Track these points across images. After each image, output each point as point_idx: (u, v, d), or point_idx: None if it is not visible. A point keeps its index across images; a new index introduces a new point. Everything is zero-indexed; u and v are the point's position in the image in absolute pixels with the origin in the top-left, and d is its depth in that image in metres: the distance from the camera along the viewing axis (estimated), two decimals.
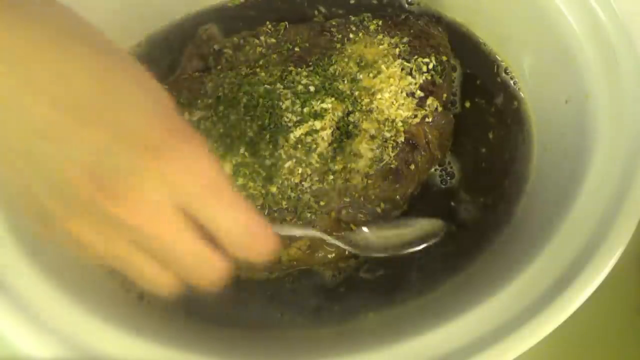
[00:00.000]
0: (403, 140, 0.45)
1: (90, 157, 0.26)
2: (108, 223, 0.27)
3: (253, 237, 0.29)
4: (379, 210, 0.45)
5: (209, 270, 0.30)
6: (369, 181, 0.44)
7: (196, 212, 0.28)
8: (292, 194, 0.43)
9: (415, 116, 0.46)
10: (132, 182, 0.26)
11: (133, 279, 0.30)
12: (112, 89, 0.27)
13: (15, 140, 0.26)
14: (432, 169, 0.48)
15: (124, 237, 0.27)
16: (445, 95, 0.48)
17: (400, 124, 0.45)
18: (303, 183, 0.43)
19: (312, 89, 0.45)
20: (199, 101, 0.45)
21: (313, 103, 0.44)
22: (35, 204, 0.27)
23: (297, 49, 0.48)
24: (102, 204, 0.26)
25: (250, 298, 0.45)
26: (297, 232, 0.42)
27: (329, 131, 0.44)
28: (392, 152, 0.45)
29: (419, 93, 0.46)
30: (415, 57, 0.48)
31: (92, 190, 0.26)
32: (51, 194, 0.27)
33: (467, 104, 0.52)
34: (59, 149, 0.26)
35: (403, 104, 0.46)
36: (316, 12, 0.56)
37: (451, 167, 0.49)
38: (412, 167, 0.46)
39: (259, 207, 0.43)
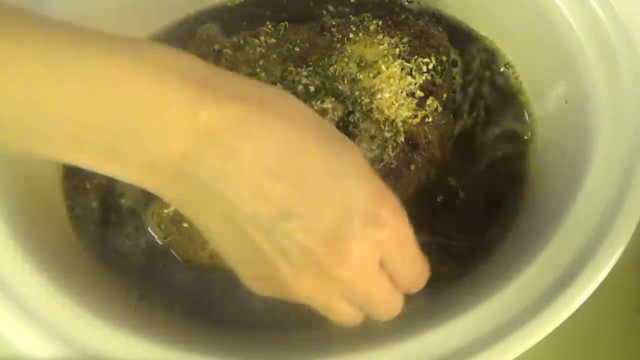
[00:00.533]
0: (403, 141, 0.45)
1: (326, 229, 0.30)
2: (329, 279, 0.31)
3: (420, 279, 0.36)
4: None
5: (395, 308, 0.35)
6: None
7: (392, 263, 0.33)
8: None
9: (415, 116, 0.46)
10: (355, 247, 0.30)
11: (330, 317, 0.35)
12: (335, 165, 0.31)
13: (262, 219, 0.30)
14: (432, 168, 0.48)
15: (338, 289, 0.32)
16: (445, 95, 0.48)
17: (400, 124, 0.45)
18: None
19: (311, 89, 0.45)
20: None
21: (313, 103, 0.44)
22: (266, 267, 0.31)
23: (296, 49, 0.48)
24: (330, 266, 0.30)
25: (250, 298, 0.45)
26: None
27: None
28: (392, 152, 0.45)
29: (419, 93, 0.46)
30: (415, 57, 0.48)
31: (324, 254, 0.30)
32: (286, 259, 0.31)
33: (467, 104, 0.52)
34: (300, 224, 0.30)
35: (403, 104, 0.46)
36: (323, 12, 0.56)
37: (451, 167, 0.49)
38: (412, 167, 0.46)
39: None
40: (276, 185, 0.29)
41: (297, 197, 0.29)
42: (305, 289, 0.32)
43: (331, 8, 0.56)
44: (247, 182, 0.29)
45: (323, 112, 0.44)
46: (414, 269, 0.35)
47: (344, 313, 0.34)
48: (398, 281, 0.34)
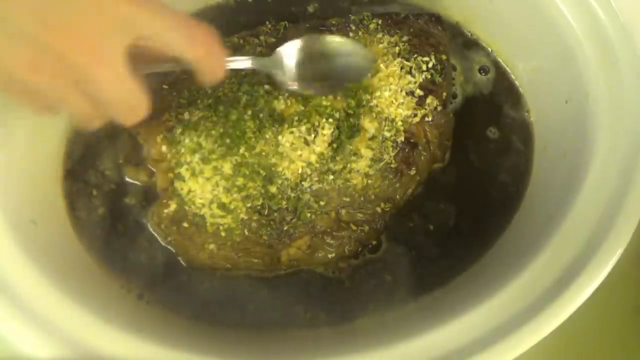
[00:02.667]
0: (403, 140, 0.45)
1: None
2: (49, 59, 0.31)
3: (198, 37, 0.36)
4: (379, 210, 0.45)
5: (133, 104, 0.35)
6: (369, 181, 0.44)
7: (151, 37, 0.33)
8: (292, 194, 0.43)
9: (415, 115, 0.46)
10: (82, 18, 0.31)
11: (70, 113, 0.35)
12: None
13: None
14: (432, 169, 0.48)
15: (62, 73, 0.31)
16: (445, 94, 0.48)
17: (400, 123, 0.45)
18: (303, 183, 0.43)
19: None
20: (199, 101, 0.45)
21: (313, 102, 0.44)
22: None
23: None
24: (45, 38, 0.30)
25: (250, 298, 0.45)
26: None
27: (328, 131, 0.43)
28: (392, 151, 0.45)
29: (419, 92, 0.46)
30: (415, 55, 0.48)
31: (35, 27, 0.30)
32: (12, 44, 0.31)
33: (467, 104, 0.52)
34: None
35: (403, 103, 0.46)
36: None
37: (451, 167, 0.49)
38: (412, 166, 0.46)
39: (259, 206, 0.43)
40: None
41: None
42: (29, 70, 0.32)
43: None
44: None
45: (323, 112, 0.44)
46: (179, 27, 0.35)
47: (79, 107, 0.33)
48: (163, 42, 0.35)
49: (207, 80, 0.38)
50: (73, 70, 0.32)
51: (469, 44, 0.54)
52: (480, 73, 0.53)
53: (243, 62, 0.41)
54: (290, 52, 0.43)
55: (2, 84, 0.33)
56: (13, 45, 0.31)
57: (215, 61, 0.37)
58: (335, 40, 0.45)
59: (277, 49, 0.43)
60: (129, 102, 0.34)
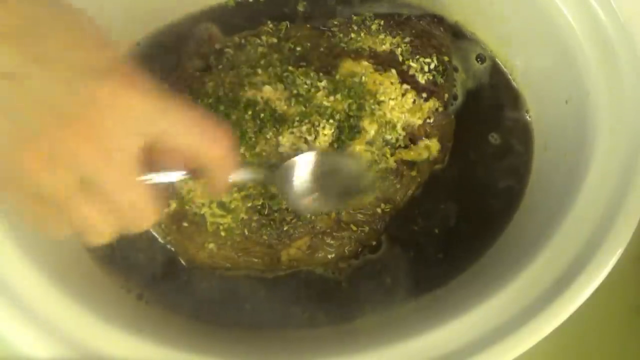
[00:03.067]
0: (404, 141, 0.45)
1: (47, 91, 0.27)
2: (60, 158, 0.28)
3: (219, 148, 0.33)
4: (379, 210, 0.45)
5: (144, 213, 0.31)
6: None
7: (161, 132, 0.30)
8: None
9: (417, 116, 0.46)
10: (89, 113, 0.28)
11: (73, 224, 0.31)
12: (47, 26, 0.28)
13: None
14: (432, 170, 0.48)
15: (73, 173, 0.29)
16: (446, 95, 0.48)
17: (401, 124, 0.45)
18: None
19: (312, 89, 0.45)
20: (200, 100, 0.45)
21: (314, 103, 0.44)
22: None
23: (298, 48, 0.48)
24: (59, 135, 0.28)
25: (250, 298, 0.45)
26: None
27: (329, 131, 0.43)
28: (392, 152, 0.45)
29: (420, 93, 0.46)
30: (417, 56, 0.48)
31: (50, 123, 0.27)
32: (12, 132, 0.28)
33: (468, 105, 0.52)
34: (17, 87, 0.27)
35: (404, 104, 0.46)
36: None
37: (451, 168, 0.49)
38: (413, 167, 0.46)
39: (259, 206, 0.43)
40: None
41: (11, 57, 0.27)
42: (33, 164, 0.29)
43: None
44: None
45: (324, 112, 0.44)
46: (207, 140, 0.32)
47: (86, 214, 0.30)
48: (197, 158, 0.32)
49: (216, 189, 0.36)
50: (83, 170, 0.29)
51: (469, 44, 0.54)
52: (481, 74, 0.53)
53: (250, 175, 0.40)
54: (296, 168, 0.41)
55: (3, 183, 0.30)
56: (22, 141, 0.28)
57: (229, 167, 0.34)
58: (341, 160, 0.44)
59: (284, 165, 0.41)
60: (139, 208, 0.31)
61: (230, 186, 0.37)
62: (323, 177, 0.42)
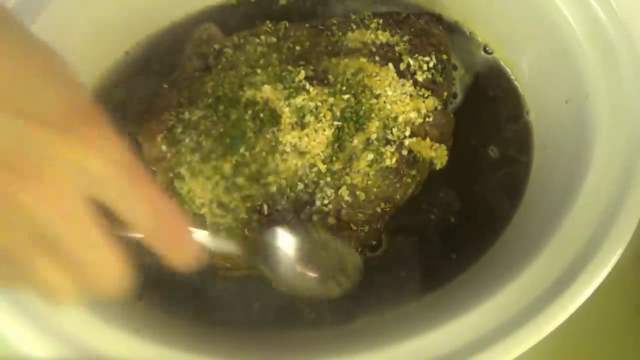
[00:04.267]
0: (403, 140, 0.45)
1: (6, 139, 0.24)
2: (10, 211, 0.25)
3: (169, 227, 0.29)
4: (379, 210, 0.45)
5: (109, 271, 0.28)
6: (369, 181, 0.44)
7: (107, 195, 0.27)
8: (292, 194, 0.43)
9: (416, 115, 0.46)
10: (40, 165, 0.25)
11: (29, 282, 0.27)
12: (15, 73, 0.26)
13: None
14: (432, 169, 0.48)
15: (24, 228, 0.25)
16: (445, 94, 0.48)
17: (400, 123, 0.45)
18: (303, 182, 0.43)
19: (312, 88, 0.45)
20: (199, 100, 0.45)
21: (313, 103, 0.44)
22: None
23: (297, 47, 0.48)
24: (10, 188, 0.25)
25: (250, 298, 0.45)
26: (214, 244, 0.39)
27: (329, 131, 0.43)
28: (392, 151, 0.45)
29: (420, 92, 0.46)
30: (416, 55, 0.48)
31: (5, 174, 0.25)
32: None
33: (467, 104, 0.52)
34: None
35: (403, 103, 0.46)
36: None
37: (451, 168, 0.49)
38: (413, 167, 0.45)
39: (258, 206, 0.43)
40: None
41: None
42: None
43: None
44: None
45: (323, 111, 0.44)
46: (148, 206, 0.28)
47: (43, 272, 0.26)
48: (132, 225, 0.28)
49: (173, 264, 0.31)
50: (35, 224, 0.25)
51: (468, 43, 0.54)
52: (481, 73, 0.53)
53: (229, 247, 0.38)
54: (275, 247, 0.40)
55: None
56: None
57: (181, 248, 0.30)
58: (320, 239, 0.42)
59: (262, 245, 0.40)
60: (103, 265, 0.28)
61: (194, 260, 0.31)
62: (305, 256, 0.40)
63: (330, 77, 0.46)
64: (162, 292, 0.45)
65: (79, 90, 0.28)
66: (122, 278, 0.28)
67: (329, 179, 0.43)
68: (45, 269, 0.26)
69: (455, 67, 0.53)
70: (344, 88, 0.45)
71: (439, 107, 0.47)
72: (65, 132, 0.25)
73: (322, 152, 0.43)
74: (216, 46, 0.48)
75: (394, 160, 0.45)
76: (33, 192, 0.24)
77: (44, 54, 0.28)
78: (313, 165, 0.43)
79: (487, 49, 0.54)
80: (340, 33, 0.49)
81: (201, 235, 0.37)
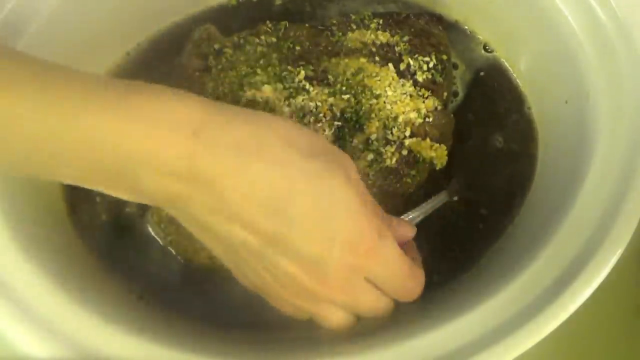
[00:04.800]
0: (403, 141, 0.45)
1: (309, 257, 0.33)
2: (311, 296, 0.36)
3: (414, 286, 0.39)
4: None
5: (383, 310, 0.38)
6: (369, 181, 0.44)
7: (376, 278, 0.37)
8: None
9: (416, 116, 0.46)
10: (334, 270, 0.34)
11: (319, 322, 0.38)
12: (325, 205, 0.33)
13: (253, 246, 0.34)
14: (432, 169, 0.48)
15: (323, 301, 0.36)
16: (445, 94, 0.48)
17: (400, 123, 0.45)
18: None
19: (312, 88, 0.45)
20: None
21: (313, 103, 0.44)
22: (257, 278, 0.36)
23: (297, 47, 0.48)
24: (311, 286, 0.34)
25: (250, 299, 0.45)
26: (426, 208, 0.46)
27: (329, 131, 0.44)
28: (392, 152, 0.45)
29: (420, 92, 0.46)
30: (416, 55, 0.48)
31: (305, 276, 0.34)
32: (274, 278, 0.35)
33: (468, 104, 0.52)
34: (286, 252, 0.33)
35: (404, 104, 0.46)
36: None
37: (451, 168, 0.49)
38: (413, 167, 0.45)
39: None
40: (266, 221, 0.32)
41: (286, 230, 0.32)
42: (287, 307, 0.38)
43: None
44: (235, 218, 0.32)
45: (323, 112, 0.44)
46: (401, 282, 0.37)
47: (333, 318, 0.37)
48: (386, 291, 0.37)
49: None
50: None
51: (468, 43, 0.54)
52: (480, 74, 0.53)
53: None
54: None
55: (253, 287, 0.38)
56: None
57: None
58: None
59: None
60: (377, 307, 0.38)
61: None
62: None
63: (330, 77, 0.46)
64: (162, 293, 0.45)
65: (362, 210, 0.34)
66: (388, 311, 0.39)
67: None
68: (336, 314, 0.38)
69: (455, 67, 0.53)
70: (344, 88, 0.45)
71: (439, 107, 0.47)
72: (349, 246, 0.34)
73: None
74: (216, 46, 0.48)
75: (394, 160, 0.44)
76: (324, 285, 0.35)
77: (340, 182, 0.34)
78: None
79: (488, 48, 0.54)
80: (340, 33, 0.49)
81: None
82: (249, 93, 0.44)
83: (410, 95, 0.46)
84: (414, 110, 0.46)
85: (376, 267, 0.35)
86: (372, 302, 0.37)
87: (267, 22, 0.50)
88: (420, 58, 0.48)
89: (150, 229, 0.46)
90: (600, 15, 0.45)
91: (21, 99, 0.29)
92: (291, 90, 0.44)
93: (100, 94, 0.31)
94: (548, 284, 0.38)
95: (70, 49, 0.47)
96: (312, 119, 0.43)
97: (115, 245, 0.46)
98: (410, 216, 0.45)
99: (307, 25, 0.51)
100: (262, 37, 0.48)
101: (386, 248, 0.36)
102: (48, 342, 0.36)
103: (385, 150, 0.44)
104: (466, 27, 0.55)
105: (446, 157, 0.46)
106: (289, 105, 0.44)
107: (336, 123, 0.44)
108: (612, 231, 0.38)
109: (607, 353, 0.44)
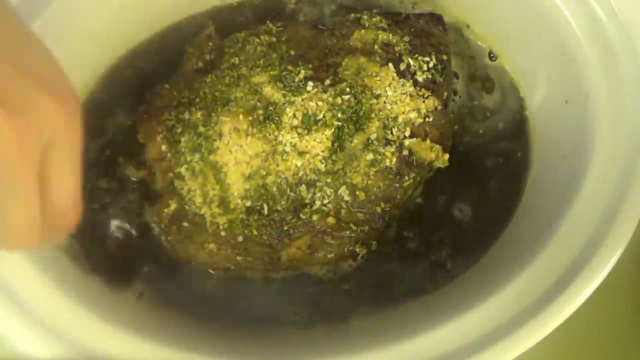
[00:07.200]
0: (404, 141, 0.45)
1: None
2: None
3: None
4: (379, 210, 0.45)
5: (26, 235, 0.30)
6: (369, 181, 0.44)
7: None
8: (292, 194, 0.43)
9: (416, 115, 0.46)
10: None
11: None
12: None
13: None
14: (432, 169, 0.48)
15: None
16: (445, 94, 0.48)
17: (401, 123, 0.45)
18: (303, 182, 0.43)
19: (312, 88, 0.45)
20: (200, 100, 0.45)
21: (313, 102, 0.44)
22: None
23: (297, 47, 0.48)
24: None
25: (250, 298, 0.45)
26: None
27: (329, 131, 0.43)
28: (392, 152, 0.45)
29: (420, 92, 0.46)
30: (416, 55, 0.48)
31: None
32: None
33: (467, 104, 0.52)
34: None
35: (404, 104, 0.46)
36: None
37: (451, 168, 0.49)
38: (413, 167, 0.45)
39: (258, 206, 0.43)
40: None
41: None
42: None
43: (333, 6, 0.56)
44: None
45: (323, 112, 0.44)
46: (72, 181, 0.32)
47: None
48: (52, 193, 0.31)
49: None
50: None
51: (468, 43, 0.54)
52: (480, 73, 0.53)
53: None
54: None
55: None
56: None
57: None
58: None
59: None
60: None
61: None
62: None
63: (330, 77, 0.46)
64: (162, 292, 0.45)
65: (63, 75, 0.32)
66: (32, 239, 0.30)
67: (329, 179, 0.43)
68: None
69: (455, 69, 0.53)
70: (344, 88, 0.45)
71: (439, 107, 0.47)
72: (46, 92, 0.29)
73: (322, 152, 0.43)
74: (216, 46, 0.48)
75: (394, 160, 0.44)
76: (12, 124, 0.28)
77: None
78: (313, 165, 0.43)
79: (487, 48, 0.54)
80: (340, 33, 0.49)
81: None
82: (249, 93, 0.44)
83: (410, 95, 0.46)
84: (414, 110, 0.46)
85: (64, 131, 0.30)
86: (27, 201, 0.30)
87: (267, 22, 0.50)
88: (420, 58, 0.48)
89: (150, 229, 0.46)
90: (600, 16, 0.45)
91: None
92: (291, 90, 0.44)
93: None
94: (548, 284, 0.38)
95: (71, 47, 0.47)
96: (312, 119, 0.43)
97: (115, 245, 0.46)
98: None
99: (306, 25, 0.50)
100: (262, 37, 0.48)
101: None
102: (48, 342, 0.36)
103: (385, 151, 0.44)
104: (465, 28, 0.55)
105: (446, 157, 0.46)
106: (289, 105, 0.44)
107: (336, 123, 0.44)
108: (612, 231, 0.38)
109: (607, 353, 0.44)
